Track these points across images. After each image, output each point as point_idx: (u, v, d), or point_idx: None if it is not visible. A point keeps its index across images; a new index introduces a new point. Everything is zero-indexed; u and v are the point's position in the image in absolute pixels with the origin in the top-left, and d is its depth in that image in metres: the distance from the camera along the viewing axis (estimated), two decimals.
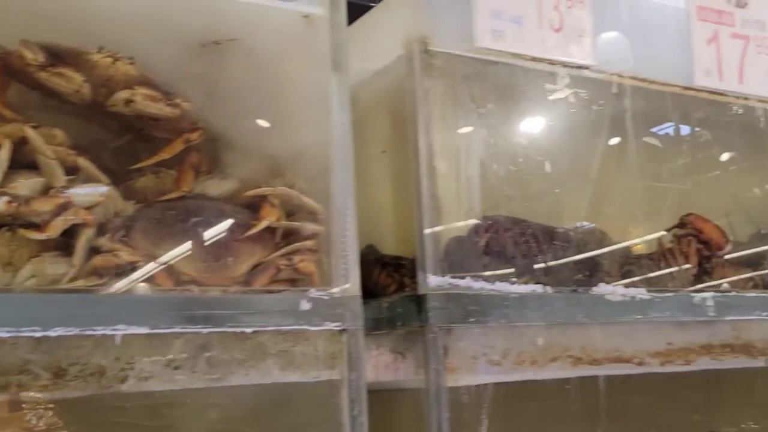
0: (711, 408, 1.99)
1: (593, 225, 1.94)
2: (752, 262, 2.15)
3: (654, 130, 2.01)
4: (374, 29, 1.86)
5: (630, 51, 1.99)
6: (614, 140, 1.97)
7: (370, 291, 1.80)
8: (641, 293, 1.83)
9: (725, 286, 2.04)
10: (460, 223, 1.75)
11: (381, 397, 1.76)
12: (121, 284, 1.33)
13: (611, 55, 1.93)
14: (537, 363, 1.71)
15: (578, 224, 1.92)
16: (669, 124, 2.03)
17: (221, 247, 1.42)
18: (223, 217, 1.44)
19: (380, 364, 1.74)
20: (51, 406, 1.43)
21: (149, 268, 1.37)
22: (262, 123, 1.60)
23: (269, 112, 1.58)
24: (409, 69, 1.68)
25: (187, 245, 1.39)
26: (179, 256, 1.39)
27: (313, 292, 1.45)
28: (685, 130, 2.08)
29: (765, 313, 2.02)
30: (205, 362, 1.36)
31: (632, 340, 1.84)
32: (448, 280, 1.61)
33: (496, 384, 1.63)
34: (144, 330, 1.27)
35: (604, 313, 1.78)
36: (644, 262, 1.93)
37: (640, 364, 1.85)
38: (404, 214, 1.67)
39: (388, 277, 1.74)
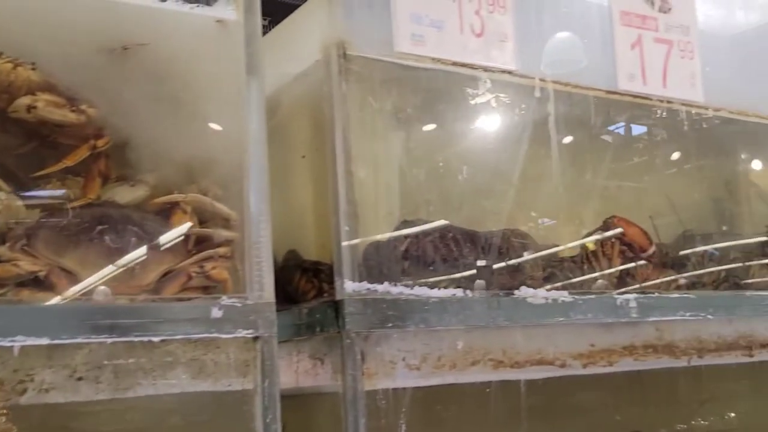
0: (634, 408, 2.02)
1: (516, 228, 1.95)
2: (677, 263, 2.19)
3: (579, 133, 2.03)
4: (295, 32, 1.86)
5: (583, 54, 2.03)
6: (538, 144, 1.99)
7: (291, 297, 1.80)
8: (563, 296, 1.85)
9: (648, 287, 2.07)
10: (381, 229, 1.75)
11: (302, 403, 1.75)
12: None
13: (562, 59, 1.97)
14: (457, 367, 1.71)
15: (505, 228, 1.93)
16: (594, 127, 2.05)
17: (128, 255, 1.39)
18: (130, 224, 1.42)
19: (301, 370, 1.73)
20: None
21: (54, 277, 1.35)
22: (175, 129, 1.58)
23: (182, 117, 1.56)
24: (326, 73, 1.68)
25: (93, 254, 1.37)
26: (84, 265, 1.36)
27: (225, 300, 1.44)
28: (610, 133, 2.10)
29: (688, 314, 2.06)
30: (110, 372, 1.34)
31: (554, 343, 1.86)
32: (365, 285, 1.61)
33: (416, 388, 1.63)
34: (44, 341, 1.25)
35: (526, 316, 1.79)
36: (567, 264, 1.95)
37: (562, 366, 1.87)
38: (323, 219, 1.66)
39: (307, 283, 1.74)
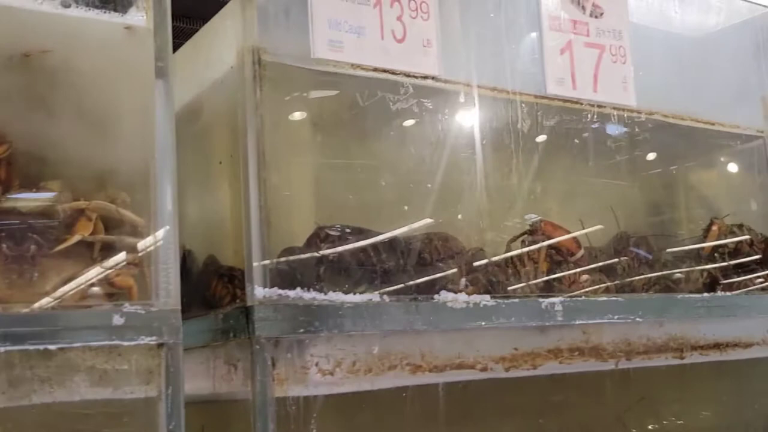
0: (558, 412, 2.03)
1: (442, 232, 1.96)
2: (607, 267, 2.20)
3: (507, 137, 2.04)
4: (213, 38, 1.86)
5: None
6: (465, 148, 2.00)
7: (209, 302, 1.80)
8: (485, 300, 1.86)
9: (575, 290, 2.08)
10: (297, 235, 1.75)
11: (219, 409, 1.76)
12: None
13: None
14: (373, 372, 1.72)
15: (429, 232, 1.94)
16: (522, 131, 2.06)
17: (26, 263, 1.39)
18: (30, 232, 1.41)
19: (217, 376, 1.73)
20: None
21: None
22: (83, 135, 1.57)
23: (90, 124, 1.56)
24: (240, 80, 1.68)
25: None
26: None
27: (127, 307, 1.43)
28: (539, 137, 2.11)
29: (616, 317, 2.07)
30: (4, 381, 1.34)
31: (476, 347, 1.87)
32: (276, 291, 1.61)
33: (329, 394, 1.64)
34: None
35: (446, 320, 1.80)
36: (492, 268, 1.96)
37: (483, 370, 1.88)
38: (238, 225, 1.66)
39: (223, 288, 1.74)
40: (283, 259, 1.68)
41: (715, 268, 2.40)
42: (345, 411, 1.70)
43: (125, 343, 1.43)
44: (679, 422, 2.24)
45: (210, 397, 1.74)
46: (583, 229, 2.18)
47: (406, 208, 1.90)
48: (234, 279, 1.71)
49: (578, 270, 2.10)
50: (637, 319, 2.10)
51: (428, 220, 1.91)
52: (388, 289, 1.78)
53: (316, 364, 1.65)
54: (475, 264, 1.95)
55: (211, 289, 1.77)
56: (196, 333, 1.81)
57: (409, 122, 1.92)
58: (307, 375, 1.64)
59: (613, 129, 2.25)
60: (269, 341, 1.59)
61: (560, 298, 1.97)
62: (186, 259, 1.89)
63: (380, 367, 1.73)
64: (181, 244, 1.96)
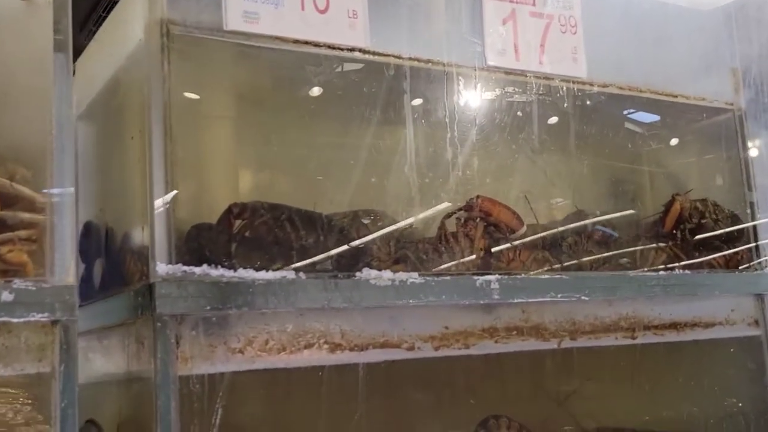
0: (492, 392, 1.97)
1: (371, 209, 1.91)
2: (554, 245, 2.13)
3: (441, 111, 1.97)
4: (128, 11, 1.82)
5: None
6: (397, 122, 1.94)
7: (125, 279, 1.78)
8: (413, 277, 1.81)
9: (515, 269, 2.02)
10: (208, 211, 1.71)
11: (132, 387, 1.74)
12: None
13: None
14: (287, 350, 1.68)
15: (358, 209, 1.89)
16: (458, 104, 1.99)
17: None
18: None
19: (130, 354, 1.71)
20: None
21: None
22: None
23: None
24: (147, 53, 1.65)
25: None
26: None
27: (18, 283, 1.41)
28: (477, 110, 2.05)
29: (560, 295, 2.00)
30: None
31: (402, 325, 1.82)
32: (180, 267, 1.58)
33: (238, 372, 1.60)
34: None
35: (369, 297, 1.75)
36: (422, 246, 1.91)
37: (410, 349, 1.83)
38: (145, 201, 1.64)
39: (134, 266, 1.71)
40: (192, 235, 1.65)
41: (675, 245, 2.31)
42: (256, 390, 1.66)
43: (14, 320, 1.41)
44: (629, 404, 2.17)
45: (125, 376, 1.72)
46: (529, 205, 2.11)
47: (329, 184, 1.85)
48: (143, 256, 1.68)
49: (518, 247, 2.03)
50: (583, 297, 2.03)
51: (353, 197, 1.86)
52: (304, 265, 1.74)
53: (224, 343, 1.62)
54: (404, 241, 1.90)
55: (125, 266, 1.75)
56: (114, 311, 1.80)
57: (333, 96, 1.87)
58: (214, 353, 1.61)
59: (562, 102, 2.17)
60: (173, 319, 1.56)
61: (497, 276, 1.91)
62: (108, 236, 1.87)
63: (295, 346, 1.69)
64: (104, 221, 1.95)
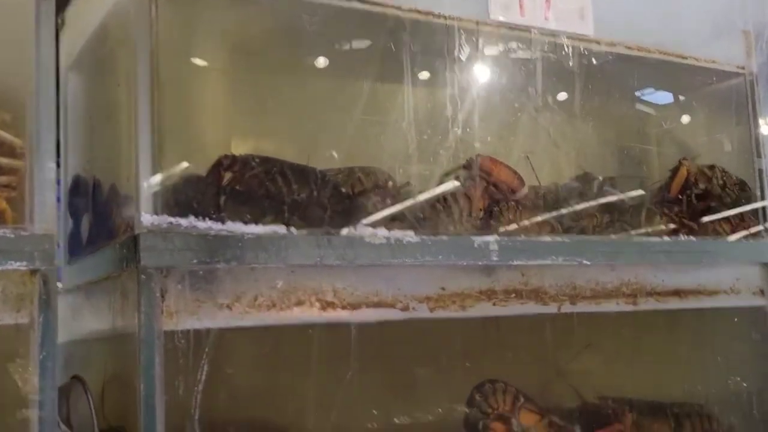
0: (489, 356, 1.92)
1: (371, 166, 1.85)
2: (556, 207, 2.07)
3: (441, 66, 1.90)
4: None
5: None
6: (394, 78, 1.87)
7: (112, 232, 1.73)
8: (409, 236, 1.75)
9: (513, 230, 1.96)
10: (197, 162, 1.65)
11: (119, 342, 1.69)
12: None
13: None
14: (277, 307, 1.63)
15: (356, 166, 1.83)
16: (459, 60, 1.92)
17: None
18: None
19: (116, 308, 1.66)
20: None
21: None
22: None
23: None
24: None
25: None
26: None
27: None
28: (479, 66, 1.97)
29: (561, 258, 1.95)
30: None
31: (396, 285, 1.76)
32: (166, 219, 1.52)
33: (225, 329, 1.55)
34: None
35: (363, 255, 1.69)
36: (420, 204, 1.84)
37: (404, 309, 1.78)
38: (131, 150, 1.58)
39: (120, 218, 1.66)
40: (180, 186, 1.59)
41: (680, 211, 2.25)
42: (244, 347, 1.62)
43: None
44: (629, 373, 2.12)
45: (111, 332, 1.68)
46: (531, 166, 2.05)
47: (324, 138, 1.79)
48: (129, 207, 1.62)
49: (519, 208, 1.97)
50: (585, 261, 1.97)
51: (349, 153, 1.80)
52: (297, 221, 1.68)
53: (212, 298, 1.57)
54: (401, 199, 1.84)
55: (112, 218, 1.69)
56: (100, 265, 1.74)
57: (330, 48, 1.80)
58: (201, 308, 1.55)
59: (568, 60, 2.10)
60: (158, 272, 1.50)
61: (496, 237, 1.86)
62: (95, 189, 1.81)
63: (286, 303, 1.64)
64: (92, 174, 1.89)
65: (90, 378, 1.78)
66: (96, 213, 1.84)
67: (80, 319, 1.92)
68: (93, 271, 1.79)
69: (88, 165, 1.90)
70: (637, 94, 2.39)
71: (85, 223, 1.92)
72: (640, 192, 2.23)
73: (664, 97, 2.46)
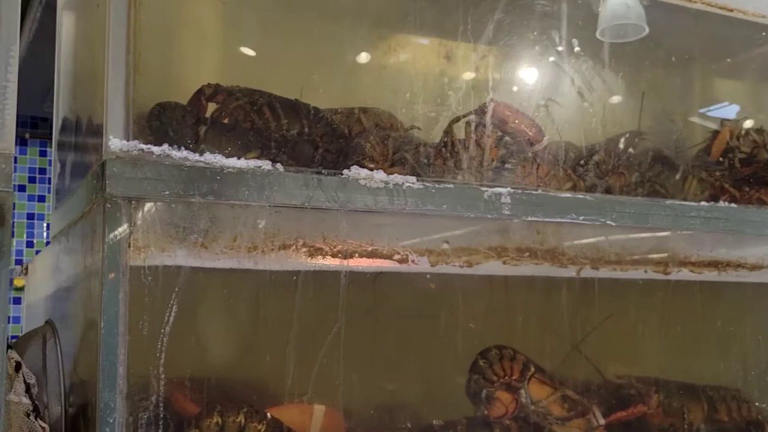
0: (495, 321, 1.75)
1: (376, 108, 1.70)
2: (579, 162, 1.88)
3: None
4: None
5: None
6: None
7: (87, 165, 1.61)
8: (410, 181, 1.59)
9: (530, 183, 1.78)
10: (179, 89, 1.52)
11: (86, 282, 1.57)
12: None
13: None
14: (258, 250, 1.49)
15: (359, 107, 1.68)
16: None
17: None
18: None
19: (86, 247, 1.54)
20: None
21: None
22: None
23: None
24: None
25: None
26: None
27: None
28: (496, 2, 1.80)
29: (582, 217, 1.76)
30: None
31: (395, 234, 1.61)
32: (136, 144, 1.40)
33: (199, 269, 1.42)
34: None
35: (358, 199, 1.54)
36: (425, 149, 1.69)
37: (403, 261, 1.62)
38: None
39: (94, 149, 1.54)
40: (156, 112, 1.46)
41: (722, 176, 2.04)
42: (218, 290, 1.48)
43: None
44: (656, 350, 1.92)
45: (84, 273, 1.55)
46: (551, 117, 1.87)
47: (320, 76, 1.64)
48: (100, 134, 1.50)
49: (537, 161, 1.79)
50: (609, 222, 1.78)
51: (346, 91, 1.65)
52: (285, 158, 1.54)
53: (185, 235, 1.43)
54: (405, 143, 1.68)
55: (89, 153, 1.58)
56: (76, 203, 1.63)
57: None
58: (173, 245, 1.42)
59: (597, 3, 1.91)
60: (126, 202, 1.38)
61: (509, 189, 1.68)
62: (77, 127, 1.70)
63: (268, 246, 1.49)
64: (75, 111, 1.78)
65: (67, 322, 1.67)
66: (76, 150, 1.73)
67: (62, 265, 1.81)
68: (71, 212, 1.67)
69: (74, 103, 1.79)
70: (676, 45, 2.17)
71: (68, 165, 1.82)
72: (676, 151, 2.03)
73: (705, 52, 2.25)
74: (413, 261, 1.63)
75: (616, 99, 2.03)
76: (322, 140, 1.58)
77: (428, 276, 1.64)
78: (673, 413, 1.86)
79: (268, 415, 1.44)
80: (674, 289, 1.90)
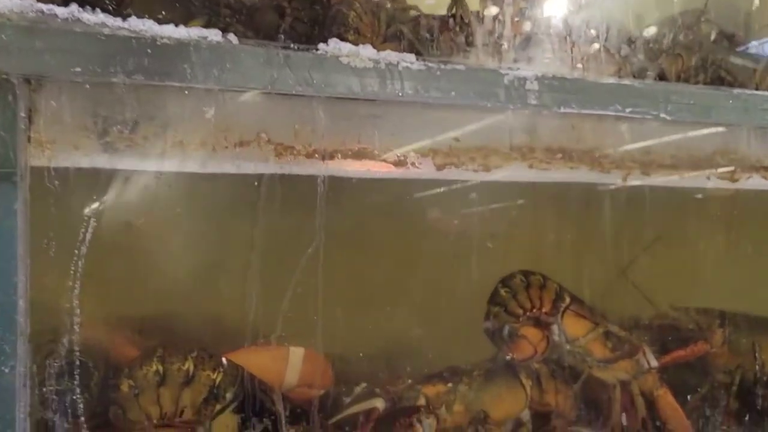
0: (519, 240, 1.39)
1: None
2: (625, 41, 1.50)
3: None
4: None
5: None
6: None
7: None
8: (407, 60, 1.22)
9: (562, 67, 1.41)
10: None
11: None
12: None
13: None
14: (207, 146, 1.14)
15: None
16: None
17: None
18: None
19: None
20: None
21: None
22: None
23: None
24: None
25: None
26: None
27: None
28: None
29: (628, 110, 1.38)
30: None
31: (389, 129, 1.25)
32: (33, 4, 1.04)
33: (119, 171, 1.08)
34: None
35: (339, 82, 1.18)
36: (430, 22, 1.31)
37: (399, 165, 1.26)
38: None
39: None
40: None
41: None
42: (153, 199, 1.14)
43: None
44: (719, 277, 1.56)
45: None
46: None
47: None
48: None
49: (572, 40, 1.41)
50: (663, 115, 1.40)
51: None
52: (241, 28, 1.18)
53: (105, 127, 1.09)
54: (403, 16, 1.31)
55: None
56: None
57: None
58: (89, 140, 1.08)
59: None
60: (22, 82, 1.03)
61: (536, 73, 1.31)
62: None
63: (220, 143, 1.15)
64: None
65: None
66: None
67: None
68: None
69: None
70: None
71: None
72: (746, 29, 1.63)
73: None
74: (413, 164, 1.27)
75: None
76: (290, 6, 1.21)
77: (433, 183, 1.28)
78: (742, 352, 1.51)
79: (224, 361, 1.11)
80: (743, 201, 1.53)
